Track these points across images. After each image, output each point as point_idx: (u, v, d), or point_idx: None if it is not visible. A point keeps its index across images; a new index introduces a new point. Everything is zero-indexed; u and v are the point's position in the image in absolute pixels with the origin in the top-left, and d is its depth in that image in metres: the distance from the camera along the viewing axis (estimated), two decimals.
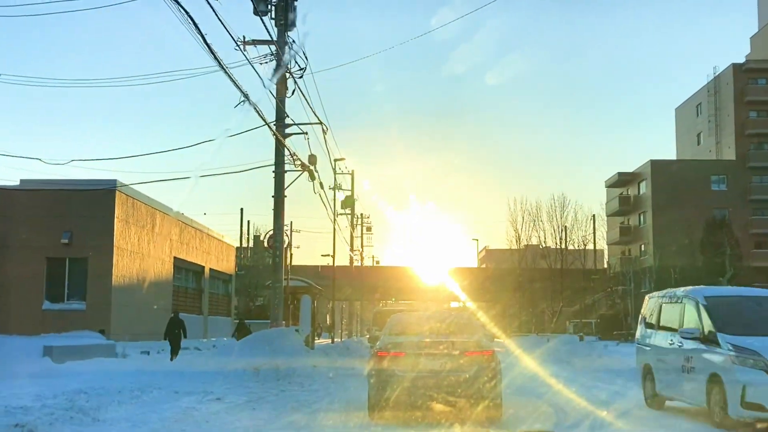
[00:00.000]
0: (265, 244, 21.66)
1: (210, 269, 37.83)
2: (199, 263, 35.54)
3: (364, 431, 9.91)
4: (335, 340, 48.00)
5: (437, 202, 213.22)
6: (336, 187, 43.25)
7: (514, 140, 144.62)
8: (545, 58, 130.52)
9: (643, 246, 61.64)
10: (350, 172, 46.30)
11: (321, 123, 21.50)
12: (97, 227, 24.78)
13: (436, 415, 10.59)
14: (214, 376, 16.84)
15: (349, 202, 45.60)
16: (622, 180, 65.73)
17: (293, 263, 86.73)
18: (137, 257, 27.43)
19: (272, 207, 21.52)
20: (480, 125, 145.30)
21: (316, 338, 64.75)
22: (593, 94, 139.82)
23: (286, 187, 21.95)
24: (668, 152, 79.88)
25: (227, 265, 42.67)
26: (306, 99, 21.42)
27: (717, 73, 66.53)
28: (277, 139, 21.26)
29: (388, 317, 14.23)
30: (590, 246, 77.95)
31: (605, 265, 75.14)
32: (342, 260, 56.98)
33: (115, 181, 24.94)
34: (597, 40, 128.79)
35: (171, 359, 21.70)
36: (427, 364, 10.07)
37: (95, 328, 24.39)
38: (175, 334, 23.17)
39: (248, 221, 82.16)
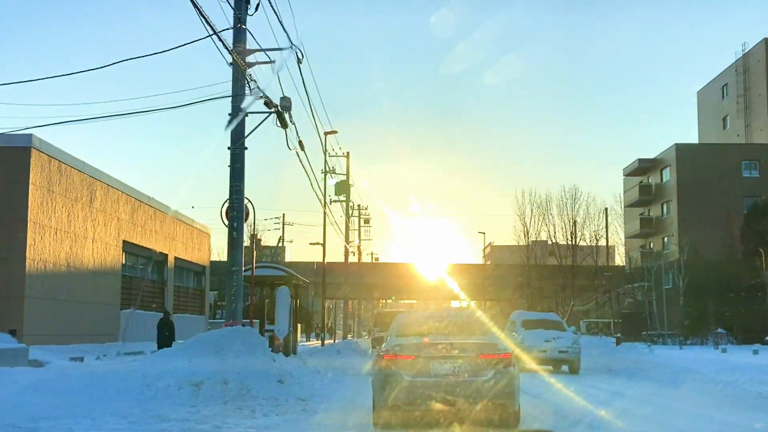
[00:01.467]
0: (223, 217, 15.33)
1: (175, 258, 31.97)
2: (159, 250, 29.65)
3: None
4: (326, 341, 42.14)
5: (440, 197, 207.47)
6: (327, 170, 37.64)
7: (522, 132, 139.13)
8: (556, 45, 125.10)
9: (666, 238, 55.55)
10: (344, 153, 40.53)
11: (293, 47, 15.67)
12: (2, 196, 18.89)
13: (448, 425, 9.10)
14: (114, 396, 11.20)
15: (343, 188, 39.81)
16: (643, 167, 59.50)
17: (288, 260, 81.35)
18: (67, 238, 21.54)
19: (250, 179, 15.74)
20: (485, 118, 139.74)
21: (310, 339, 59.09)
22: (607, 82, 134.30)
23: (247, 134, 16.16)
24: (689, 138, 73.86)
25: (200, 254, 36.81)
26: (276, 14, 15.55)
27: (746, 51, 60.79)
28: (234, 65, 15.45)
29: (390, 318, 12.92)
30: (601, 241, 72.91)
31: (620, 261, 69.33)
32: (338, 256, 51.61)
33: (30, 135, 19.03)
34: (611, 25, 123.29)
35: None
36: (438, 368, 9.06)
37: (4, 329, 18.56)
38: (165, 337, 20.81)
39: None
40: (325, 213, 33.87)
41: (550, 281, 71.73)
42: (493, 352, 9.20)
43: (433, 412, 9.04)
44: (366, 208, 56.80)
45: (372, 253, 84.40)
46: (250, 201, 17.06)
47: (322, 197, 33.38)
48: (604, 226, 74.62)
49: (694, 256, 47.46)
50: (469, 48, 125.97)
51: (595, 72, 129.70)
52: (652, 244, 56.55)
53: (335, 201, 39.54)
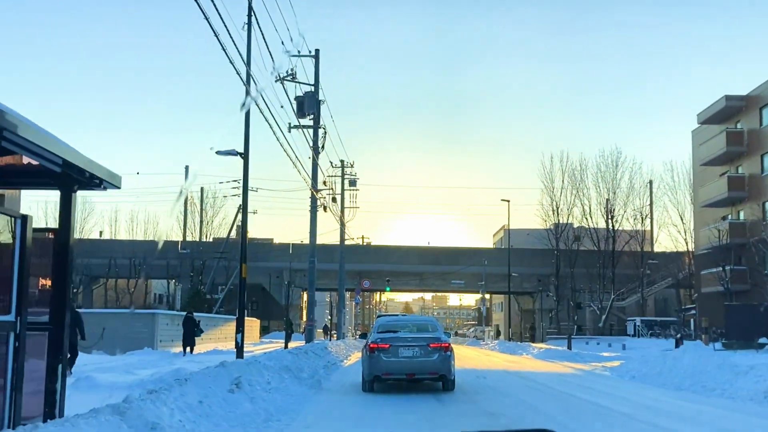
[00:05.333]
0: None
1: None
2: None
3: (361, 397, 13.08)
4: (309, 341, 28.00)
5: (451, 169, 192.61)
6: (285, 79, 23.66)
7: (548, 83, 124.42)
8: None
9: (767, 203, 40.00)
10: (311, 52, 26.37)
11: None
12: None
13: (409, 389, 14.31)
14: None
15: (311, 105, 25.81)
16: (729, 110, 42.47)
17: (253, 237, 67.26)
18: None
19: None
20: (504, 63, 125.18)
21: (291, 340, 44.87)
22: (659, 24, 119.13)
23: None
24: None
25: None
26: None
27: None
28: None
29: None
30: (627, 226, 58.91)
31: (687, 240, 54.98)
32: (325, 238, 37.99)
33: None
34: None
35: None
36: (404, 353, 13.68)
37: None
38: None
39: (202, 188, 62.10)
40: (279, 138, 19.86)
41: (583, 271, 57.89)
42: (438, 342, 13.84)
43: (400, 380, 14.04)
44: (352, 165, 42.53)
45: (363, 237, 70.19)
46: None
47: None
48: (648, 202, 61.25)
49: None
50: None
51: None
52: (741, 213, 41.62)
53: (297, 127, 25.34)
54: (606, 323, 57.51)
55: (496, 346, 41.08)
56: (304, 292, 72.96)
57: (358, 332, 67.15)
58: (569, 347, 31.33)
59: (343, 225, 41.38)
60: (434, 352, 13.52)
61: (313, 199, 25.25)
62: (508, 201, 54.96)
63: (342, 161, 41.62)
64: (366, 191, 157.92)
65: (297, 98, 25.54)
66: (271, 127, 20.56)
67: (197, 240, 59.73)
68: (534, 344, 40.11)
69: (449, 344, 13.90)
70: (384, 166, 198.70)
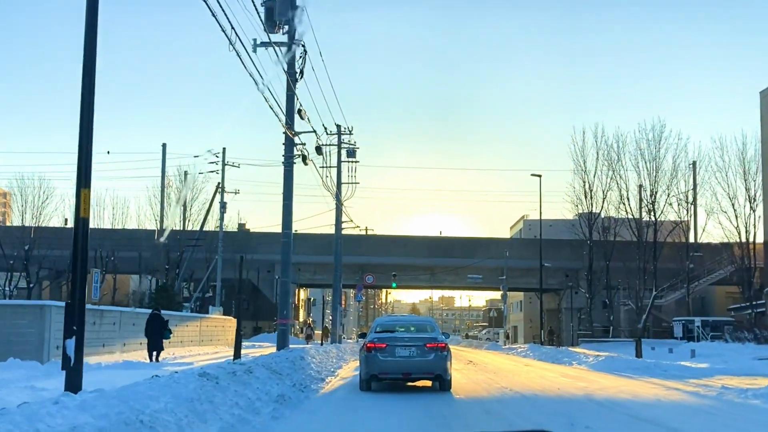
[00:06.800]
0: None
1: None
2: None
3: (359, 394, 13.10)
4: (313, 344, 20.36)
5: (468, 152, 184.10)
6: None
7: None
8: None
9: None
10: None
11: None
12: None
13: (406, 388, 14.19)
14: None
15: (281, 10, 18.26)
16: None
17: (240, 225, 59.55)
18: None
19: None
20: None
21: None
22: None
23: None
24: None
25: None
26: None
27: None
28: None
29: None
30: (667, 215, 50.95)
31: (739, 229, 47.20)
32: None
33: None
34: None
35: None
36: (400, 352, 13.61)
37: None
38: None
39: (182, 169, 54.12)
40: None
41: (619, 264, 50.02)
42: (435, 342, 13.78)
43: (397, 379, 13.93)
44: (350, 131, 35.03)
45: (366, 228, 62.57)
46: None
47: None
48: (692, 186, 53.21)
49: None
50: None
51: None
52: None
53: (265, 45, 17.57)
54: (645, 324, 49.59)
55: (529, 352, 33.43)
56: (301, 289, 65.29)
57: (357, 333, 59.74)
58: (638, 355, 23.58)
59: (339, 203, 33.73)
60: (431, 352, 13.65)
61: (288, 143, 17.65)
62: (540, 176, 46.42)
63: (338, 126, 33.98)
64: (370, 180, 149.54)
65: (265, 2, 17.92)
66: (228, 38, 13.23)
67: (178, 229, 51.88)
68: (573, 349, 32.54)
69: (446, 344, 14.00)
70: (390, 157, 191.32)
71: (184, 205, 53.14)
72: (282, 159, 17.93)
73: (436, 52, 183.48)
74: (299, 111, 17.56)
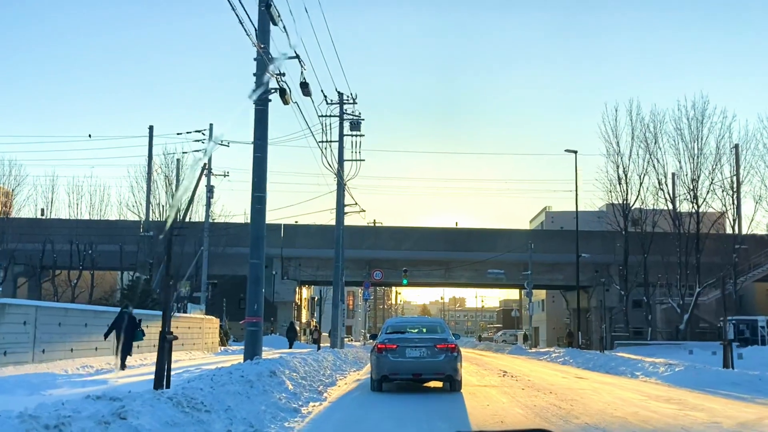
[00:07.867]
0: None
1: None
2: None
3: (370, 396, 13.15)
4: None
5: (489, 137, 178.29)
6: None
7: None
8: None
9: None
10: None
11: None
12: None
13: (416, 389, 14.25)
14: None
15: None
16: None
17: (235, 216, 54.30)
18: None
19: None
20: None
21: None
22: None
23: None
24: None
25: None
26: None
27: None
28: None
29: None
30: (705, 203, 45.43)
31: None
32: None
33: None
34: None
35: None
36: (411, 353, 13.67)
37: None
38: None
39: (168, 152, 49.01)
40: None
41: (657, 258, 44.62)
42: (445, 343, 13.82)
43: (407, 380, 14.01)
44: (354, 101, 29.99)
45: (375, 221, 57.52)
46: None
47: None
48: (735, 171, 47.72)
49: None
50: None
51: None
52: None
53: None
54: (687, 325, 44.15)
55: (568, 358, 28.15)
56: (302, 286, 60.00)
57: (368, 335, 54.55)
58: (727, 364, 18.16)
59: (341, 181, 28.57)
60: (441, 352, 13.68)
61: (260, 67, 12.36)
62: (575, 152, 40.80)
63: (340, 93, 28.83)
64: (379, 169, 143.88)
65: None
66: None
67: (164, 220, 46.58)
68: (620, 354, 27.27)
69: (456, 345, 14.02)
70: (398, 146, 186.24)
71: (173, 196, 48.02)
72: (251, 93, 12.61)
73: (450, 37, 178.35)
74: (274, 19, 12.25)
